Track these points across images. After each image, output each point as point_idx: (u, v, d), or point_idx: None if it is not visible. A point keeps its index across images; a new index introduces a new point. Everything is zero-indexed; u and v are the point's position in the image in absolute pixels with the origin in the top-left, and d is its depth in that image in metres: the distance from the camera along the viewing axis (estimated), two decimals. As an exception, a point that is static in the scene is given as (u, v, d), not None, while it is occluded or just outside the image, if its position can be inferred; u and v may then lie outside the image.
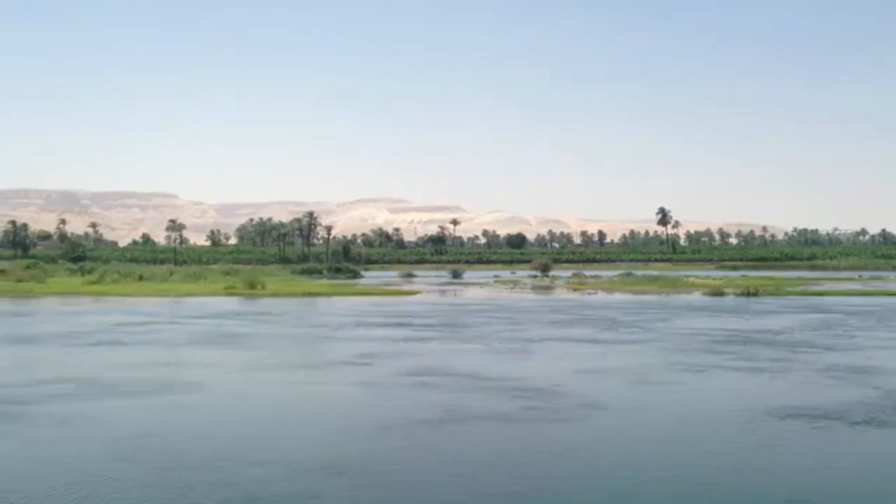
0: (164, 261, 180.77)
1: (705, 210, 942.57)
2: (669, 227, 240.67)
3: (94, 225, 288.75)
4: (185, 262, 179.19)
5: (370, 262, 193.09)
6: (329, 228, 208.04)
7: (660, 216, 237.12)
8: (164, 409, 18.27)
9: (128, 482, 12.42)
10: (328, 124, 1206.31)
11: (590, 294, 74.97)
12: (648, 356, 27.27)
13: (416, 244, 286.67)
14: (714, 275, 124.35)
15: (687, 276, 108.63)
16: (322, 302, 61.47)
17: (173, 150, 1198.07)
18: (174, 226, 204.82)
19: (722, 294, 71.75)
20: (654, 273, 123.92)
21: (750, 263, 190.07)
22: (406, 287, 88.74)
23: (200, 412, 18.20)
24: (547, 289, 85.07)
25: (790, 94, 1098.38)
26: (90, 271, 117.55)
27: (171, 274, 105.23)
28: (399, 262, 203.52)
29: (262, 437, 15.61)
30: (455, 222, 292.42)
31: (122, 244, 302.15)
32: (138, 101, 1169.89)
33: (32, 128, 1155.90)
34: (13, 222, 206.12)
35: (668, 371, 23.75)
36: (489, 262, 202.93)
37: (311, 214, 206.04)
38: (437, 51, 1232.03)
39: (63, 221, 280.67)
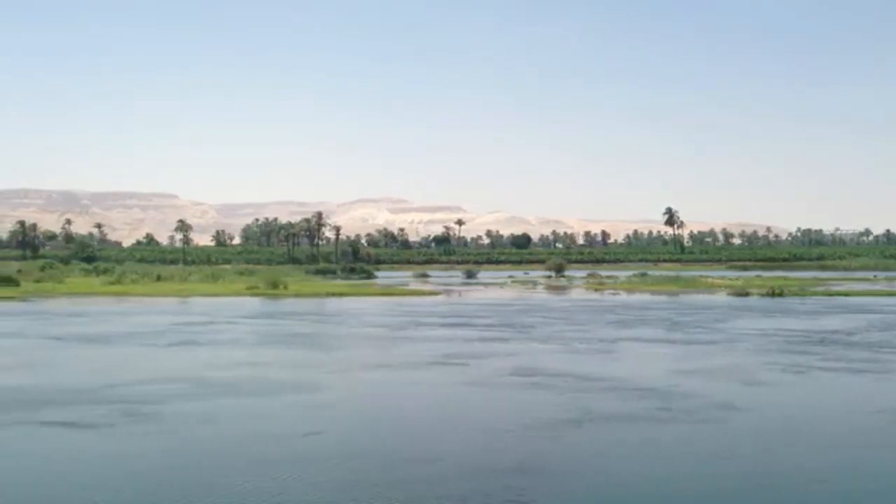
0: (172, 261, 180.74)
1: (706, 210, 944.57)
2: (676, 227, 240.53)
3: (98, 225, 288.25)
4: (193, 262, 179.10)
5: (379, 262, 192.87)
6: (338, 229, 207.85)
7: (667, 216, 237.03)
8: (304, 409, 18.31)
9: (334, 482, 12.39)
10: (328, 124, 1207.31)
11: (613, 294, 74.88)
12: (739, 357, 27.30)
13: (421, 244, 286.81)
14: (728, 275, 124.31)
15: (703, 277, 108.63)
16: (352, 302, 61.11)
17: (173, 150, 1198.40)
18: (182, 226, 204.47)
19: (747, 294, 71.72)
20: (671, 273, 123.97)
21: (759, 264, 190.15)
22: (427, 287, 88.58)
23: (341, 412, 18.18)
24: (566, 289, 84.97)
25: (790, 94, 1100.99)
26: (105, 272, 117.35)
27: (190, 274, 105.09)
28: (408, 262, 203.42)
29: (421, 436, 15.64)
30: (460, 222, 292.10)
31: (124, 244, 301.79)
32: (138, 101, 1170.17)
33: (33, 128, 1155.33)
34: (22, 223, 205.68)
35: (770, 372, 23.78)
36: (498, 262, 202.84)
37: (319, 215, 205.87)
38: (438, 51, 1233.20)
39: (68, 222, 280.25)
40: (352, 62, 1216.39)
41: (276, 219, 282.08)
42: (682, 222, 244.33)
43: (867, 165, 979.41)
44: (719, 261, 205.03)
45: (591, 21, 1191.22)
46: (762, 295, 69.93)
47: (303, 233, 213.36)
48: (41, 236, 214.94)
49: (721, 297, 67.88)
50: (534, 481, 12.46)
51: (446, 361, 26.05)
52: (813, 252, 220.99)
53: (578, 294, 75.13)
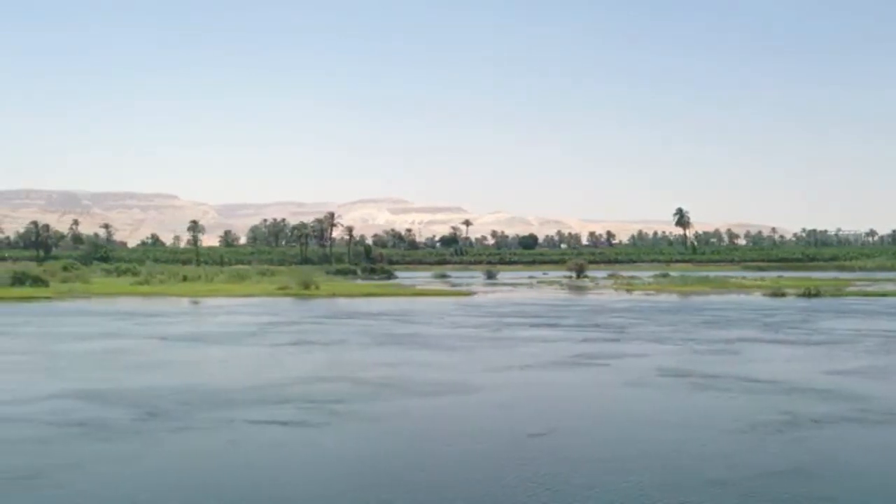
0: (185, 261, 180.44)
1: (706, 210, 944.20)
2: (686, 228, 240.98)
3: (106, 226, 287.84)
4: (205, 262, 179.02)
5: (391, 262, 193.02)
6: (350, 229, 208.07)
7: (677, 217, 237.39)
8: (492, 409, 18.30)
9: (584, 483, 12.35)
10: (328, 124, 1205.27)
11: (649, 294, 74.87)
12: (872, 357, 27.39)
13: (425, 244, 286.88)
14: (749, 275, 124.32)
15: (729, 278, 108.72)
16: (399, 303, 60.72)
17: (173, 150, 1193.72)
18: (193, 227, 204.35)
19: (783, 295, 71.76)
20: (695, 274, 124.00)
21: (773, 264, 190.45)
22: (459, 288, 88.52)
23: (534, 412, 18.08)
24: (598, 290, 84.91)
25: (790, 94, 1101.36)
26: (125, 272, 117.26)
27: (216, 275, 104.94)
28: (420, 262, 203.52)
29: (645, 440, 15.52)
30: (467, 223, 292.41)
31: (127, 245, 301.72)
32: (138, 101, 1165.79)
33: (33, 128, 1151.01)
34: (35, 223, 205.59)
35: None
36: (510, 263, 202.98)
37: (331, 215, 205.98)
38: (438, 51, 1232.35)
39: (76, 222, 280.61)
40: (352, 62, 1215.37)
41: (283, 219, 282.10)
42: (686, 221, 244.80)
43: (868, 166, 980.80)
44: (731, 261, 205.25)
45: (592, 21, 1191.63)
46: (798, 295, 69.94)
47: (312, 233, 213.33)
48: (53, 237, 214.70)
49: (758, 298, 67.87)
50: (830, 484, 12.55)
51: (583, 362, 26.04)
52: (825, 252, 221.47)
53: (616, 294, 75.02)
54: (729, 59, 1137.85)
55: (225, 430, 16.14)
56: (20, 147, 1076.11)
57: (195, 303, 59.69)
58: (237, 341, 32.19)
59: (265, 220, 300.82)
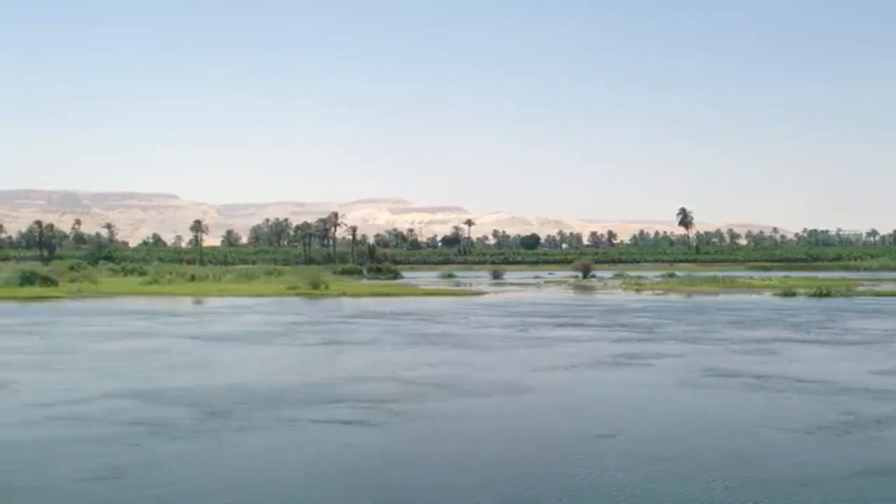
0: (188, 261, 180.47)
1: (706, 210, 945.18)
2: (689, 228, 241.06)
3: (108, 225, 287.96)
4: (209, 262, 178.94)
5: (395, 262, 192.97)
6: (354, 229, 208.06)
7: (681, 217, 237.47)
8: (551, 409, 18.27)
9: (671, 483, 12.30)
10: (328, 124, 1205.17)
11: (659, 294, 74.84)
12: None
13: (427, 244, 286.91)
14: (755, 275, 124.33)
15: (736, 277, 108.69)
16: (415, 302, 60.66)
17: (174, 150, 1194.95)
18: (197, 226, 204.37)
19: (794, 294, 71.76)
20: (702, 274, 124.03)
21: (776, 264, 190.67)
22: (471, 288, 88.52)
23: (597, 413, 18.09)
24: (608, 289, 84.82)
25: (790, 94, 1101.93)
26: (132, 272, 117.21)
27: (224, 274, 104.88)
28: (424, 262, 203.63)
29: (716, 440, 15.50)
30: (470, 223, 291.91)
31: (127, 244, 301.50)
32: (138, 101, 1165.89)
33: (33, 128, 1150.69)
34: (39, 222, 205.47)
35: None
36: (514, 263, 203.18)
37: (335, 215, 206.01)
38: (438, 51, 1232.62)
39: (78, 222, 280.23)
40: (352, 62, 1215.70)
41: (286, 219, 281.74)
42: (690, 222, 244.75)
43: (867, 166, 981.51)
44: (735, 261, 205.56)
45: (592, 21, 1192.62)
46: (809, 295, 69.92)
47: (316, 233, 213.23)
48: (57, 236, 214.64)
49: (770, 298, 67.91)
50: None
51: (625, 362, 25.99)
52: (829, 252, 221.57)
53: (627, 294, 74.81)
54: (729, 59, 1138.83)
55: (291, 429, 16.07)
56: (20, 147, 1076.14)
57: (209, 302, 59.61)
58: (268, 341, 32.14)
59: (267, 220, 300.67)
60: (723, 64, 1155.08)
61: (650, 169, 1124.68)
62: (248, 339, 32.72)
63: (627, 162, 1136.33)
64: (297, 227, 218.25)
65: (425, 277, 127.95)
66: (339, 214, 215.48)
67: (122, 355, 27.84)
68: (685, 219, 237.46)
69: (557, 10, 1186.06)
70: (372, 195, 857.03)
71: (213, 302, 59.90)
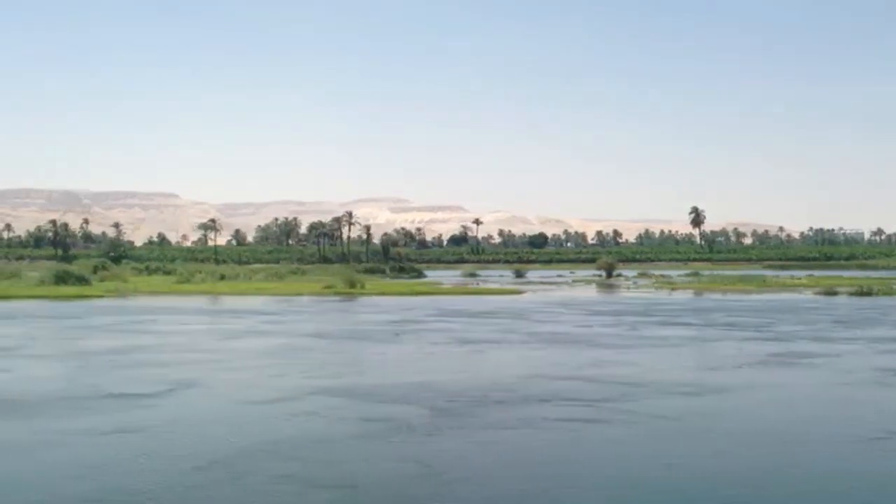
0: (202, 259, 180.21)
1: (707, 209, 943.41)
2: (700, 227, 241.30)
3: (116, 225, 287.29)
4: (224, 261, 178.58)
5: (409, 261, 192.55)
6: (368, 227, 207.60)
7: (693, 216, 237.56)
8: (776, 409, 18.18)
9: None
10: (328, 123, 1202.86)
11: (699, 294, 74.58)
12: None
13: (432, 243, 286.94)
14: (781, 274, 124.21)
15: (765, 276, 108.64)
16: (465, 300, 60.45)
17: (174, 149, 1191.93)
18: (212, 225, 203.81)
19: (835, 293, 71.85)
20: (730, 273, 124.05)
21: (791, 263, 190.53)
22: (509, 287, 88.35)
23: (821, 413, 18.04)
24: (635, 288, 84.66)
25: (790, 93, 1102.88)
26: (156, 271, 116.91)
27: (254, 273, 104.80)
28: (438, 261, 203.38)
29: None
30: (478, 222, 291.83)
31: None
32: (138, 100, 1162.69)
33: (33, 128, 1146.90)
34: (53, 222, 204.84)
35: None
36: (528, 262, 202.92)
37: (349, 214, 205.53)
38: (438, 50, 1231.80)
39: (86, 221, 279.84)
40: (352, 61, 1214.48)
41: (295, 218, 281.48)
42: (697, 220, 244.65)
43: (867, 165, 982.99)
44: (749, 260, 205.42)
45: (593, 20, 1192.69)
46: (851, 294, 70.00)
47: (328, 232, 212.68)
48: (71, 236, 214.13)
49: (813, 296, 68.09)
50: None
51: (787, 361, 25.74)
52: (842, 251, 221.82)
53: (668, 294, 74.17)
54: (729, 59, 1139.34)
55: (537, 428, 15.93)
56: (20, 146, 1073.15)
57: (259, 301, 58.92)
58: (390, 340, 31.91)
59: (276, 220, 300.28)
60: (723, 63, 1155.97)
61: (650, 168, 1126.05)
62: (368, 337, 32.49)
63: (627, 161, 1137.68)
64: (311, 226, 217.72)
65: (447, 276, 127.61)
66: (353, 214, 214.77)
67: (266, 354, 27.50)
68: (697, 218, 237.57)
69: (558, 9, 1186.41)
70: (372, 194, 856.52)
71: (262, 300, 59.30)
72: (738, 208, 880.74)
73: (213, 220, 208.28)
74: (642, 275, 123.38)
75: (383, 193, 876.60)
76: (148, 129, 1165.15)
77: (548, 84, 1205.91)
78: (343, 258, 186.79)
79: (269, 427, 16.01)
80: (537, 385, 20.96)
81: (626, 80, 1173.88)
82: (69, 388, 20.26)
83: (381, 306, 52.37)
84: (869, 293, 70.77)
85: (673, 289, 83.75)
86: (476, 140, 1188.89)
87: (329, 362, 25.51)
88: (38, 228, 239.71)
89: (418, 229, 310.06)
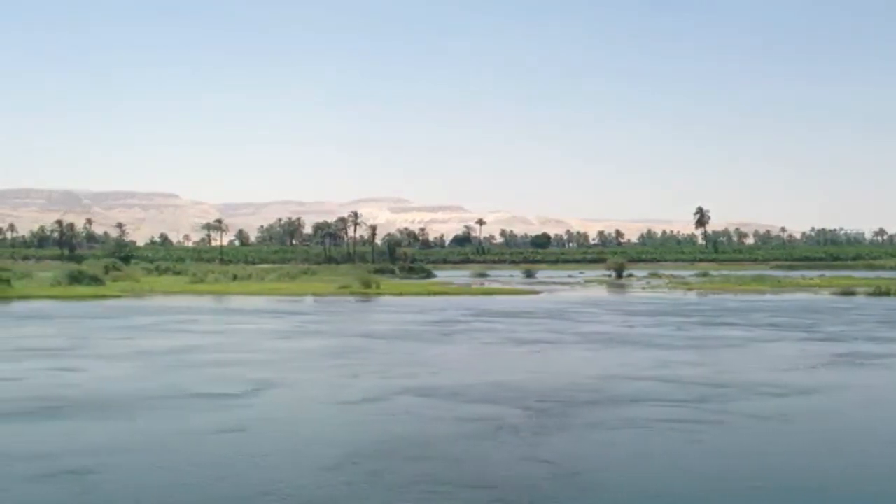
0: (209, 260, 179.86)
1: (708, 209, 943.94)
2: (705, 227, 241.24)
3: (119, 225, 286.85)
4: (230, 261, 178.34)
5: (415, 261, 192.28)
6: (374, 228, 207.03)
7: (698, 216, 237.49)
8: (868, 409, 18.23)
9: None
10: (328, 123, 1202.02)
11: (718, 294, 74.33)
12: None
13: (434, 243, 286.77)
14: (791, 275, 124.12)
15: (776, 276, 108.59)
16: (488, 301, 60.39)
17: (174, 149, 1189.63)
18: (218, 225, 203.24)
19: (853, 293, 71.89)
20: (742, 273, 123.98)
21: (797, 263, 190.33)
22: (524, 287, 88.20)
23: None
24: (650, 288, 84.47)
25: (791, 93, 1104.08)
26: (165, 271, 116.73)
27: (267, 273, 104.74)
28: (444, 261, 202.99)
29: None
30: (481, 222, 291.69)
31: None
32: (138, 100, 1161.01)
33: (33, 128, 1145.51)
34: (59, 222, 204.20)
35: None
36: (534, 262, 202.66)
37: (355, 214, 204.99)
38: (438, 50, 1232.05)
39: (89, 222, 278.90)
40: (352, 61, 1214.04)
41: (299, 218, 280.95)
42: (701, 220, 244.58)
43: (867, 165, 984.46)
44: (755, 260, 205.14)
45: (592, 20, 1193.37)
46: (869, 294, 70.08)
47: (332, 232, 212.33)
48: (77, 236, 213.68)
49: (831, 297, 68.07)
50: None
51: (855, 361, 25.77)
52: (848, 251, 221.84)
53: (685, 294, 74.12)
54: (729, 59, 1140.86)
55: (645, 429, 15.86)
56: (20, 146, 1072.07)
57: (280, 301, 58.80)
58: (438, 340, 31.89)
59: (279, 220, 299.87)
60: (723, 63, 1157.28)
61: (650, 168, 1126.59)
62: (418, 338, 32.41)
63: (627, 161, 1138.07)
64: (317, 227, 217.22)
65: (455, 276, 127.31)
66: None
67: (328, 354, 27.39)
68: (702, 218, 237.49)
69: (558, 9, 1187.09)
70: (372, 194, 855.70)
71: (281, 301, 59.06)
72: (739, 208, 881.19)
73: (219, 221, 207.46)
74: (653, 275, 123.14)
75: (383, 193, 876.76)
76: (148, 129, 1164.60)
77: (548, 84, 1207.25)
78: (349, 258, 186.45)
79: (375, 427, 15.92)
80: (618, 386, 20.88)
81: (626, 80, 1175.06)
82: (152, 388, 20.09)
83: (407, 306, 52.17)
84: (887, 293, 70.78)
85: (689, 289, 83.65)
86: (476, 140, 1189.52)
87: (395, 363, 25.38)
88: (42, 228, 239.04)
89: (421, 229, 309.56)
